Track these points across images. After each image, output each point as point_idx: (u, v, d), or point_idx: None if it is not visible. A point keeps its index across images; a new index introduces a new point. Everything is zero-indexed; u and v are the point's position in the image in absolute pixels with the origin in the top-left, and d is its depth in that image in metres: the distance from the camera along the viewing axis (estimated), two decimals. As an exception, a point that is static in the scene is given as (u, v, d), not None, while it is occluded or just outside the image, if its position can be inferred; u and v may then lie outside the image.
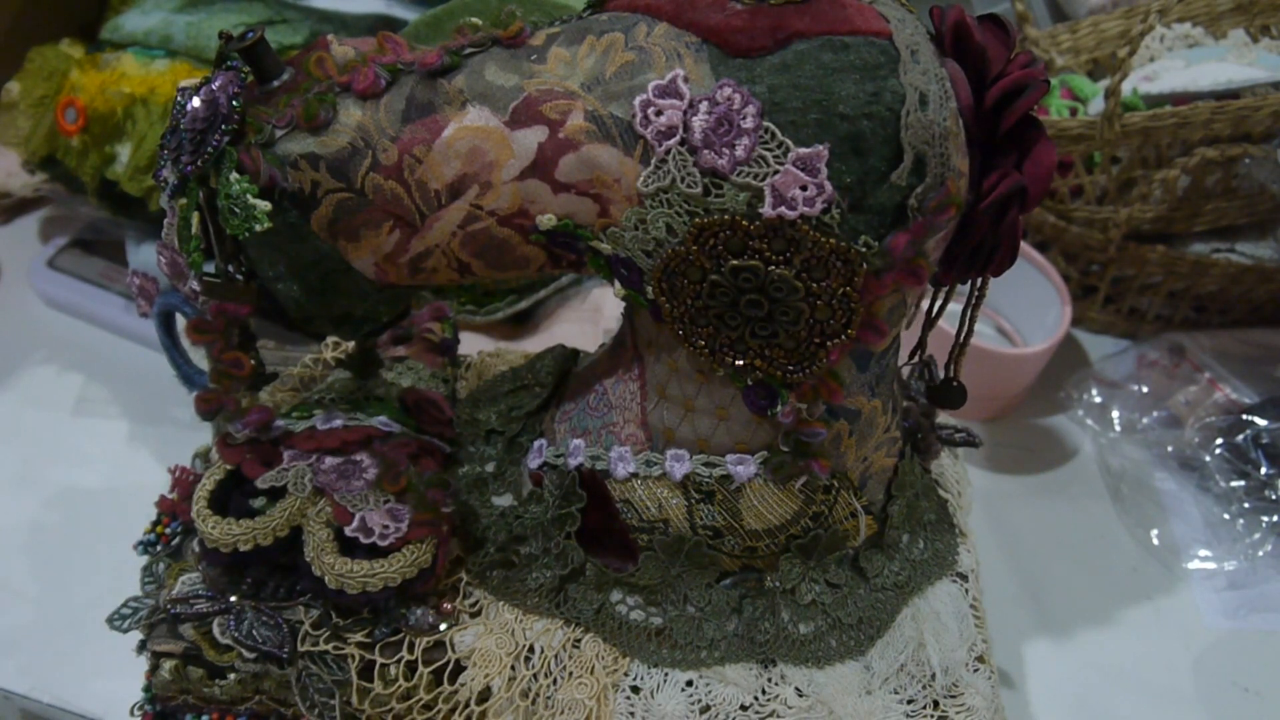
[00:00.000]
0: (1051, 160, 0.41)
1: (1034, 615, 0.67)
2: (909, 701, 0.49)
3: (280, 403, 0.55)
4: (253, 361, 0.49)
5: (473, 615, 0.50)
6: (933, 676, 0.49)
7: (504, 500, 0.54)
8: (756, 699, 0.48)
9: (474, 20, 0.44)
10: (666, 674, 0.49)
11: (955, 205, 0.41)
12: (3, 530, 0.69)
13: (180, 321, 0.54)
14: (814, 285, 0.42)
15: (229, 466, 0.51)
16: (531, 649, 0.49)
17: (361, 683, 0.48)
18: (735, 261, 0.41)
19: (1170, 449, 0.77)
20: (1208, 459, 0.75)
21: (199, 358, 0.52)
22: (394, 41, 0.45)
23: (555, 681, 0.48)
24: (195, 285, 0.46)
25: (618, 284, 0.44)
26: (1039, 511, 0.74)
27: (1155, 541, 0.72)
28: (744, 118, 0.40)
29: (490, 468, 0.56)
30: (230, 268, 0.46)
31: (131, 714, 0.53)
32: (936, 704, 0.49)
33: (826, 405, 0.45)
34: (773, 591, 0.50)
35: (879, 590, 0.51)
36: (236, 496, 0.50)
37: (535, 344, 0.76)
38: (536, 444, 0.53)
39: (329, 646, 0.48)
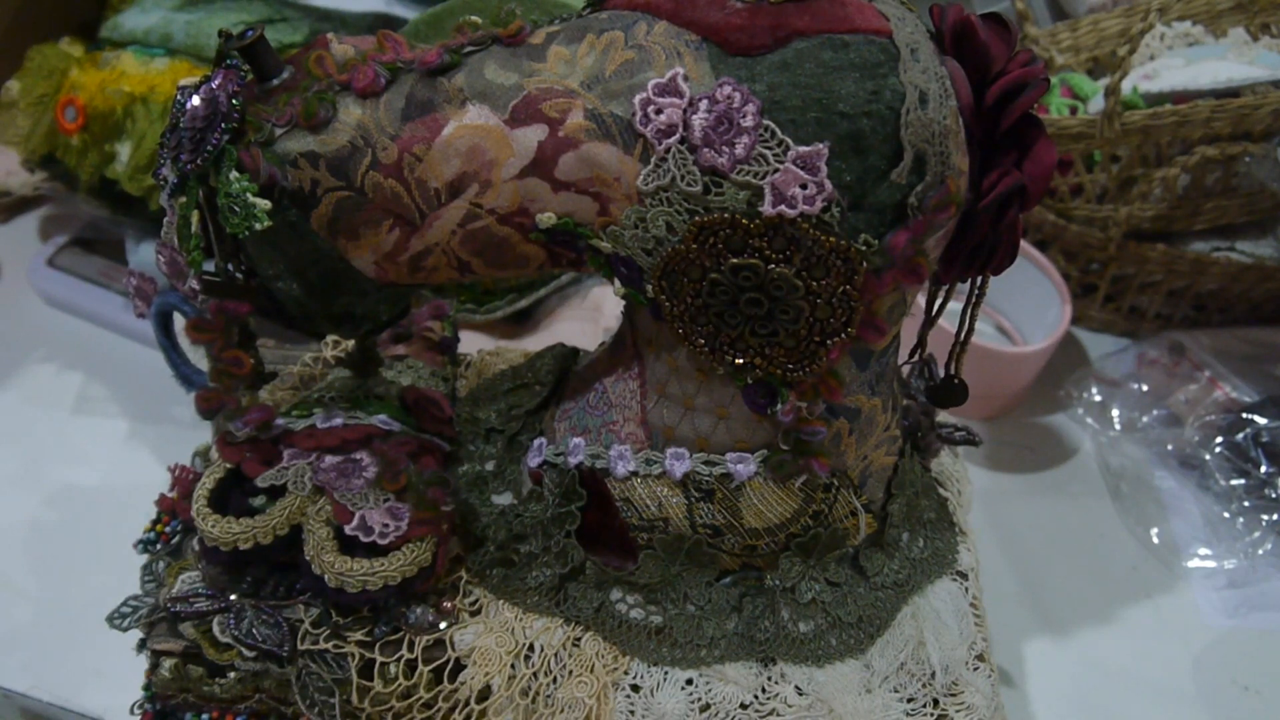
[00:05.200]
0: (1051, 159, 0.41)
1: (1034, 614, 0.67)
2: (909, 700, 0.49)
3: (280, 401, 0.55)
4: (252, 360, 0.49)
5: (473, 614, 0.50)
6: (932, 675, 0.49)
7: (504, 499, 0.54)
8: (756, 697, 0.48)
9: (474, 19, 0.44)
10: (666, 672, 0.49)
11: (955, 204, 0.41)
12: (3, 529, 0.69)
13: (178, 321, 0.54)
14: (814, 284, 0.42)
15: (229, 465, 0.51)
16: (531, 647, 0.49)
17: (361, 681, 0.48)
18: (735, 260, 0.41)
19: (1170, 447, 0.77)
20: (1208, 457, 0.75)
21: (197, 357, 0.52)
22: (394, 40, 0.45)
23: (555, 680, 0.48)
24: (195, 284, 0.46)
25: (617, 282, 0.44)
26: (1039, 510, 0.74)
27: (1155, 540, 0.72)
28: (744, 116, 0.40)
29: (490, 466, 0.56)
30: (230, 266, 0.46)
31: (131, 713, 0.53)
32: (936, 702, 0.49)
33: (826, 404, 0.45)
34: (772, 590, 0.50)
35: (879, 589, 0.51)
36: (236, 495, 0.50)
37: (535, 342, 0.76)
38: (536, 442, 0.53)
39: (329, 645, 0.48)
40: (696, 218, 0.41)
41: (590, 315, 0.78)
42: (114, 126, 0.75)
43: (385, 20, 0.80)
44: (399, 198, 0.44)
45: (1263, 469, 0.73)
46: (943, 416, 0.59)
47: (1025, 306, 0.83)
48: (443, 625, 0.49)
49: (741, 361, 0.44)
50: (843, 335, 0.43)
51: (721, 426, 0.47)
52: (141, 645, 0.51)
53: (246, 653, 0.48)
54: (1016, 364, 0.77)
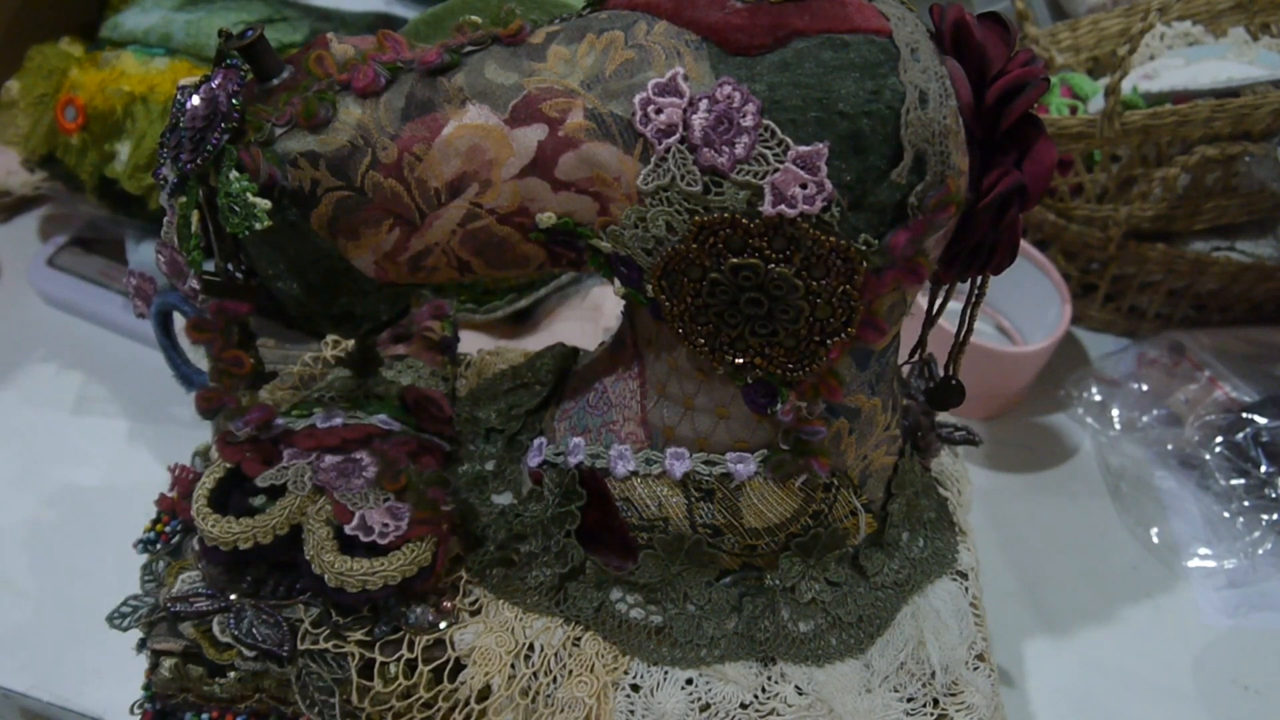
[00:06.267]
0: (1051, 158, 0.41)
1: (1034, 613, 0.67)
2: (909, 700, 0.49)
3: (280, 401, 0.55)
4: (252, 360, 0.49)
5: (472, 613, 0.50)
6: (932, 675, 0.49)
7: (504, 498, 0.54)
8: (756, 697, 0.48)
9: (474, 18, 0.44)
10: (666, 672, 0.49)
11: (955, 203, 0.41)
12: (3, 529, 0.69)
13: (178, 321, 0.54)
14: (814, 283, 0.42)
15: (229, 465, 0.51)
16: (531, 647, 0.49)
17: (361, 681, 0.48)
18: (735, 259, 0.41)
19: (1170, 447, 0.77)
20: (1207, 457, 0.75)
21: (197, 357, 0.52)
22: (394, 39, 0.45)
23: (555, 680, 0.48)
24: (195, 284, 0.46)
25: (617, 282, 0.44)
26: (1039, 510, 0.74)
27: (1155, 539, 0.72)
28: (744, 116, 0.40)
29: (490, 466, 0.56)
30: (230, 266, 0.46)
31: (131, 712, 0.53)
32: (936, 702, 0.49)
33: (826, 403, 0.45)
34: (772, 590, 0.50)
35: (879, 588, 0.51)
36: (236, 495, 0.50)
37: (535, 342, 0.76)
38: (536, 442, 0.53)
39: (329, 645, 0.48)
40: (696, 217, 0.41)
41: (590, 315, 0.78)
42: (114, 126, 0.75)
43: (385, 20, 0.80)
44: (399, 197, 0.44)
45: (1263, 469, 0.73)
46: (943, 416, 0.59)
47: (1025, 306, 0.83)
48: (443, 625, 0.49)
49: (741, 361, 0.44)
50: (843, 335, 0.43)
51: (721, 426, 0.47)
52: (141, 645, 0.51)
53: (246, 653, 0.48)
54: (1016, 364, 0.77)
